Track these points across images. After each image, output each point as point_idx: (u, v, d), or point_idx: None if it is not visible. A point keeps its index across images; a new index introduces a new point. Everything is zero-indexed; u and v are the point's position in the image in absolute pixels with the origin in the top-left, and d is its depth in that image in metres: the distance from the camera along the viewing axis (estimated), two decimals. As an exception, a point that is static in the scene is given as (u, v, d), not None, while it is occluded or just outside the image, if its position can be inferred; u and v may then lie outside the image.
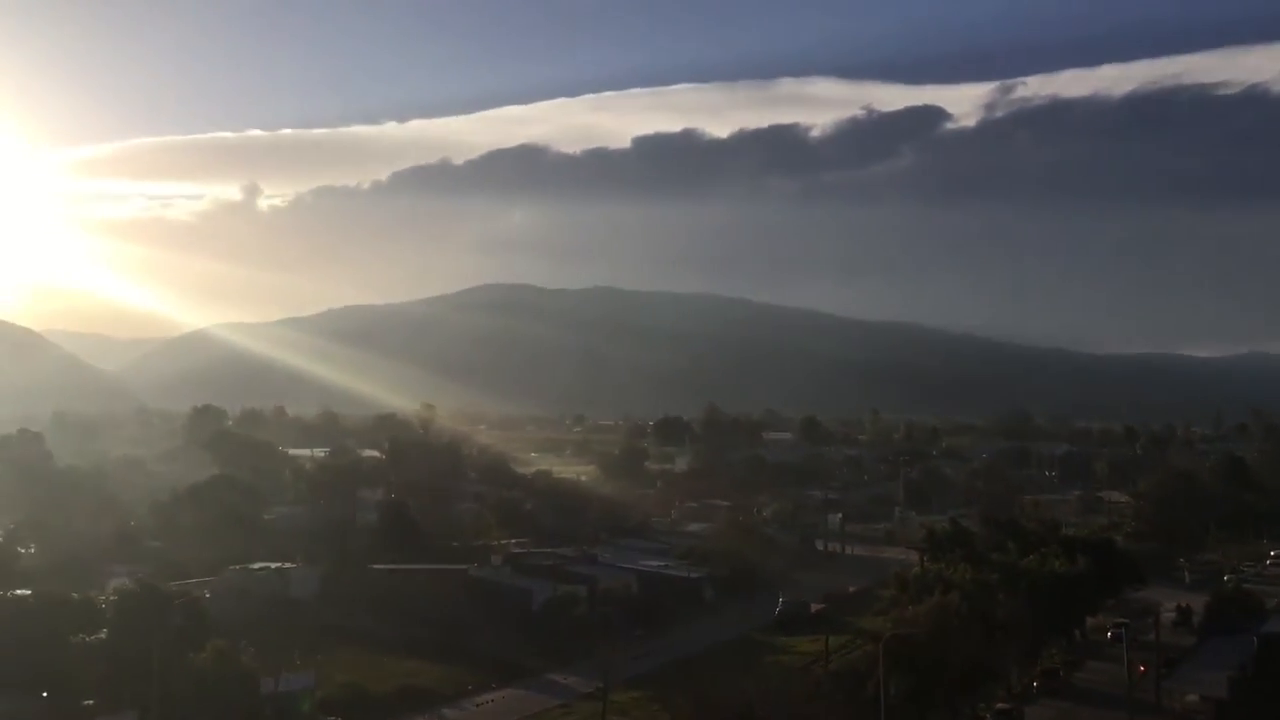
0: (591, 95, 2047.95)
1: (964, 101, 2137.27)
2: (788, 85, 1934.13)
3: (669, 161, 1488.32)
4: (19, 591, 65.93)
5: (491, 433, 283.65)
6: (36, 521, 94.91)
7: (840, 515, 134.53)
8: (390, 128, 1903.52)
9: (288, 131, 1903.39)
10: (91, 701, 53.18)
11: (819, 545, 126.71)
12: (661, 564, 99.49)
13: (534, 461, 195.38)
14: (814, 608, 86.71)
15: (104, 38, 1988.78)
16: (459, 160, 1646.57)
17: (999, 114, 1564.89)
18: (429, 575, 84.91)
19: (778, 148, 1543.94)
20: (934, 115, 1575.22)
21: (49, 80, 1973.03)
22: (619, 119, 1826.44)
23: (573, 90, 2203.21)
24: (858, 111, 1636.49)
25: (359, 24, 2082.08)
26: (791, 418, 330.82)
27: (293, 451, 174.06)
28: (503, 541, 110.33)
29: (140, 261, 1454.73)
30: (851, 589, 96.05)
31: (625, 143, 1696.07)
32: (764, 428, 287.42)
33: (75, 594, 64.98)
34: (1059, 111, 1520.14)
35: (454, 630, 73.69)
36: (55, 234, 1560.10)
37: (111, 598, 62.70)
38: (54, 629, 57.35)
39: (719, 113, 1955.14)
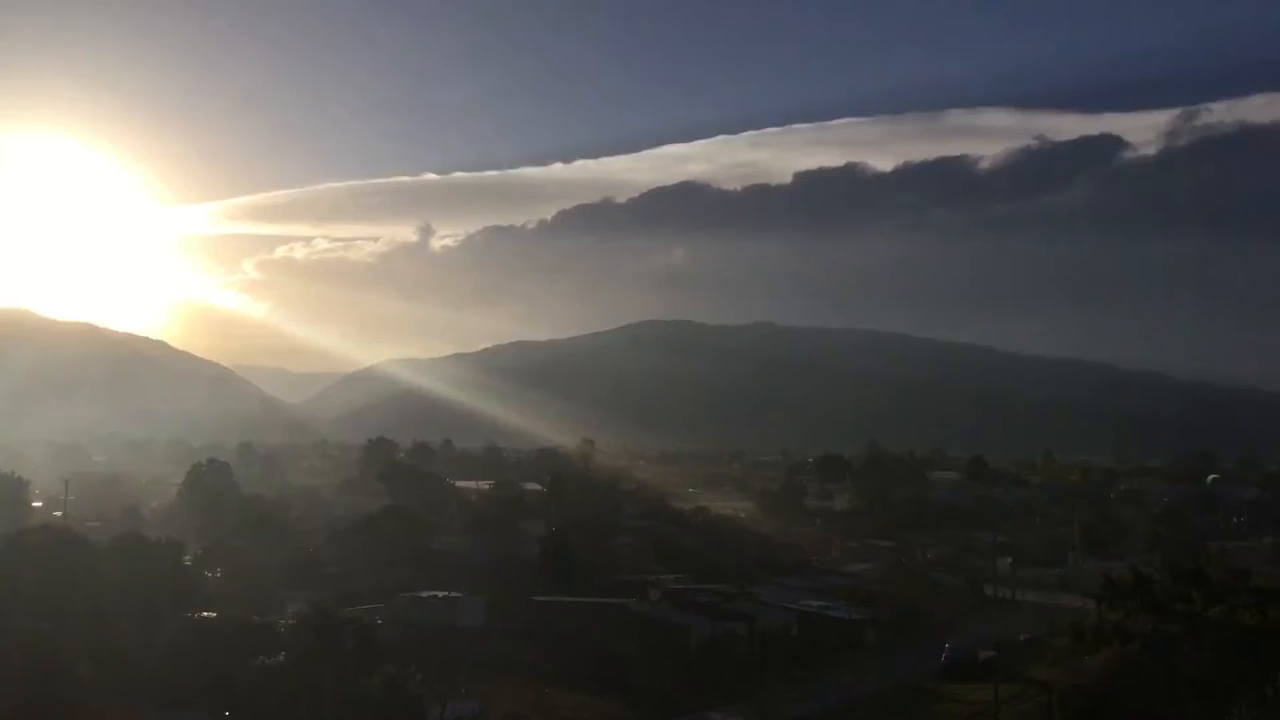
0: (753, 132, 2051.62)
1: (1144, 129, 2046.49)
2: (956, 116, 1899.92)
3: (830, 196, 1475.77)
4: (205, 614, 69.71)
5: (650, 468, 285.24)
6: (223, 547, 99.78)
7: (1010, 559, 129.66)
8: (556, 168, 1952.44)
9: (460, 174, 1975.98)
10: (270, 722, 55.50)
11: (988, 590, 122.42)
12: (822, 604, 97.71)
13: (692, 497, 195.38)
14: (983, 655, 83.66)
15: (297, 91, 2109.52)
16: (621, 199, 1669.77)
17: (1181, 142, 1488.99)
18: (589, 609, 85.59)
19: (944, 180, 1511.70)
20: (1111, 144, 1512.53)
21: (246, 132, 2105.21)
22: (780, 155, 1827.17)
23: (734, 127, 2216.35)
24: (1030, 142, 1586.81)
25: (527, 69, 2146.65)
26: (957, 456, 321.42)
27: (459, 484, 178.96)
28: (661, 577, 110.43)
29: (322, 300, 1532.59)
30: (1023, 637, 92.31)
31: (786, 178, 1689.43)
32: (928, 466, 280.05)
33: (257, 617, 68.25)
34: (1247, 138, 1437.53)
35: (613, 665, 74.08)
36: (245, 275, 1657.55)
37: (290, 622, 65.56)
38: (236, 650, 60.24)
39: (883, 146, 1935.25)
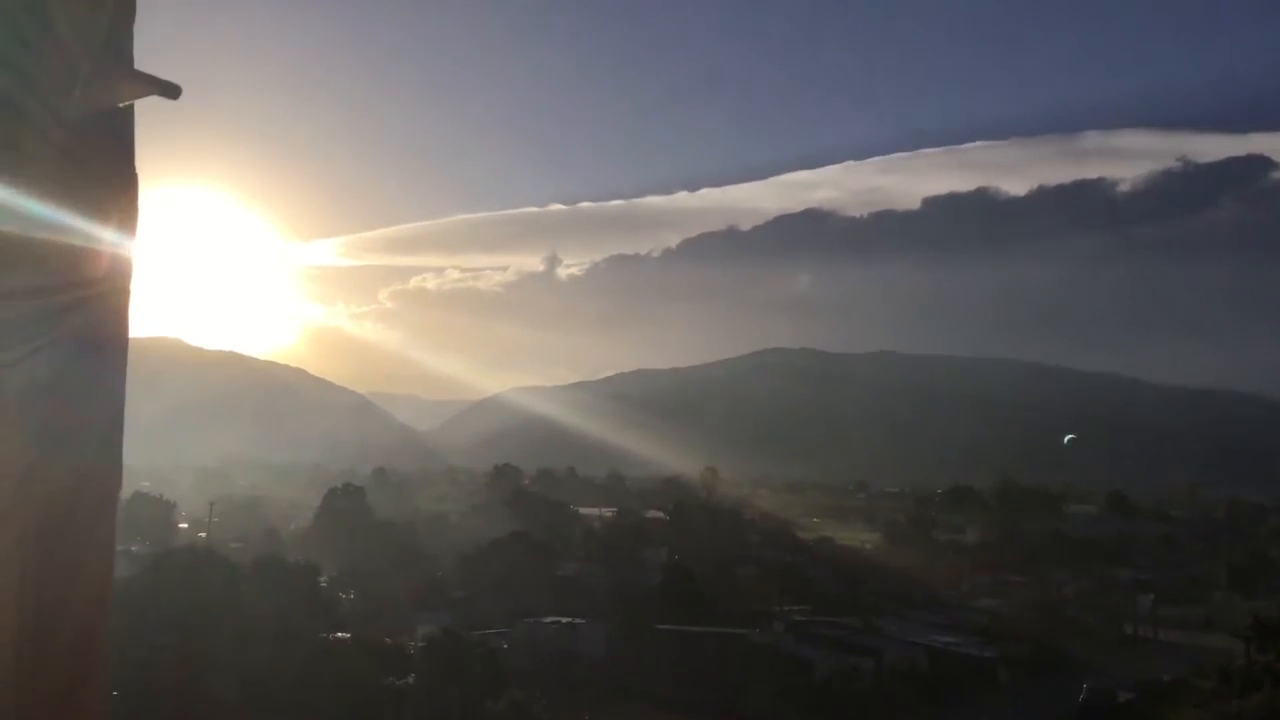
0: (880, 157, 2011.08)
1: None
2: (1093, 138, 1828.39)
3: (960, 221, 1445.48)
4: (339, 634, 71.72)
5: (774, 497, 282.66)
6: (356, 570, 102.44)
7: (1152, 597, 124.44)
8: (681, 197, 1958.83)
9: (586, 204, 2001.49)
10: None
11: (1127, 629, 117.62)
12: (952, 640, 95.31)
13: (816, 527, 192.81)
14: (1122, 697, 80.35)
15: (429, 128, 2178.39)
16: (746, 226, 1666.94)
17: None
18: (711, 639, 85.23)
19: (1081, 204, 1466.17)
20: (1259, 164, 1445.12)
21: (382, 168, 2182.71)
22: (908, 180, 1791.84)
23: (861, 153, 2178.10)
24: (1172, 163, 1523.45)
25: (652, 99, 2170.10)
26: (1094, 490, 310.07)
27: (583, 511, 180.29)
28: (785, 608, 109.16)
29: (452, 329, 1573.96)
30: (1165, 678, 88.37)
31: (914, 204, 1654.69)
32: (1063, 499, 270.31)
33: (388, 639, 69.94)
34: None
35: (734, 696, 73.54)
36: (379, 305, 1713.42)
37: (419, 644, 66.99)
38: (368, 671, 61.80)
39: (1016, 169, 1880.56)
